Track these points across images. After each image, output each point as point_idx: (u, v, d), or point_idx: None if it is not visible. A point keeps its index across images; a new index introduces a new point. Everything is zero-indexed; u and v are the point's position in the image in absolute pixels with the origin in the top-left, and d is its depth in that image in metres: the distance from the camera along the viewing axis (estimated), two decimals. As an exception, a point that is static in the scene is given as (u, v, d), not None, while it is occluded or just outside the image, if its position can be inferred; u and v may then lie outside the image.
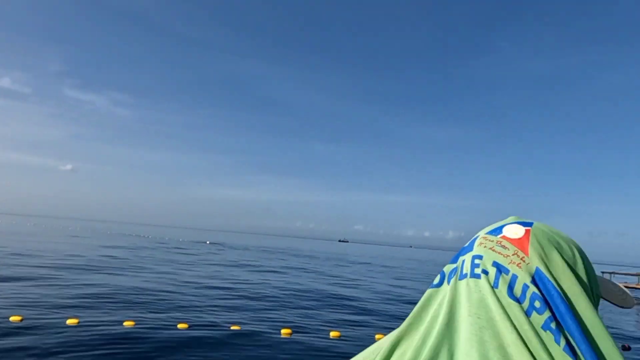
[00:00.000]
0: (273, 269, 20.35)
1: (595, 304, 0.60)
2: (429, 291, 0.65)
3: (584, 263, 0.62)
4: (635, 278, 21.21)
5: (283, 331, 8.08)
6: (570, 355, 0.53)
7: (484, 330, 0.56)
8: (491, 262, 0.62)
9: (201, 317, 8.60)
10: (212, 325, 8.01)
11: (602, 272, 23.16)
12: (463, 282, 0.62)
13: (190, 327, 7.71)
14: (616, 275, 22.26)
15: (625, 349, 6.76)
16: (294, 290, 12.67)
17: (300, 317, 9.57)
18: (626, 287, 14.86)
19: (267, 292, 12.83)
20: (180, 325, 7.72)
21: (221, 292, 12.18)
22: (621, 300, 0.67)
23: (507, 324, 0.55)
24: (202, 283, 13.53)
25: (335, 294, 13.11)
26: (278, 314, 9.72)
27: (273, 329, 8.17)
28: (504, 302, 0.57)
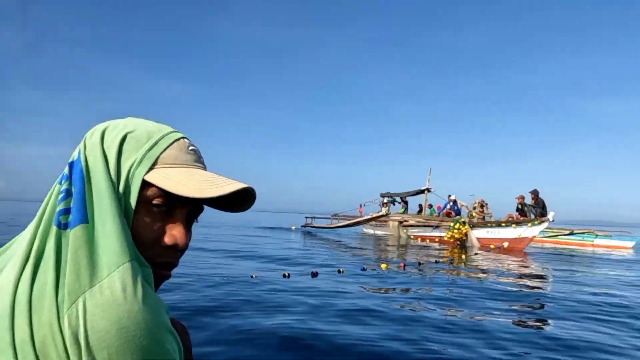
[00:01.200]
0: None
1: (124, 176, 0.62)
2: None
3: (120, 145, 0.63)
4: (329, 220, 24.31)
5: None
6: (55, 220, 0.57)
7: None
8: None
9: None
10: None
11: (306, 217, 26.08)
12: None
13: None
14: (316, 219, 25.38)
15: (313, 274, 7.00)
16: None
17: None
18: (321, 227, 16.59)
19: None
20: None
21: None
22: (192, 189, 0.62)
23: (45, 202, 0.61)
24: None
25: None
26: None
27: None
28: (56, 185, 0.63)
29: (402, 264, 8.67)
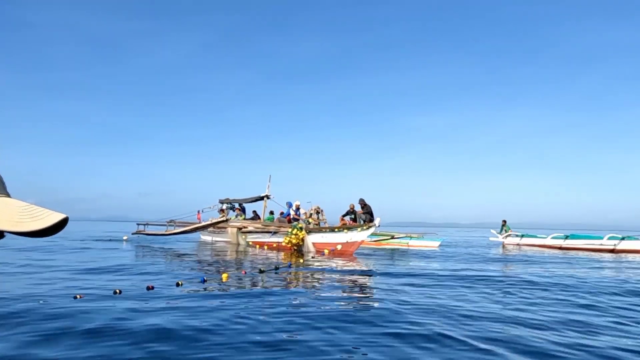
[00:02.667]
0: None
1: None
2: None
3: None
4: (165, 227, 22.79)
5: None
6: None
7: None
8: None
9: None
10: None
11: (138, 224, 24.10)
12: None
13: None
14: (150, 225, 23.50)
15: (149, 288, 6.51)
16: None
17: None
18: (155, 233, 15.42)
19: None
20: None
21: None
22: (11, 223, 0.58)
23: None
24: None
25: None
26: None
27: None
28: None
29: (243, 272, 8.63)
